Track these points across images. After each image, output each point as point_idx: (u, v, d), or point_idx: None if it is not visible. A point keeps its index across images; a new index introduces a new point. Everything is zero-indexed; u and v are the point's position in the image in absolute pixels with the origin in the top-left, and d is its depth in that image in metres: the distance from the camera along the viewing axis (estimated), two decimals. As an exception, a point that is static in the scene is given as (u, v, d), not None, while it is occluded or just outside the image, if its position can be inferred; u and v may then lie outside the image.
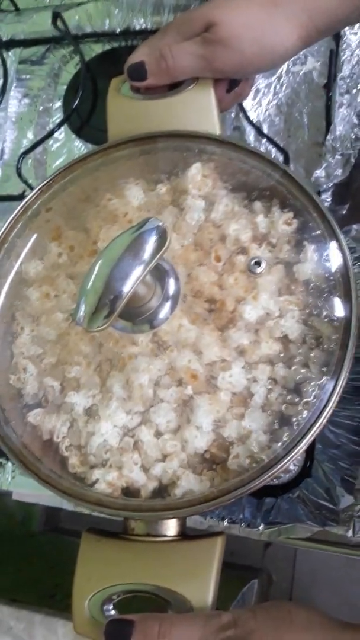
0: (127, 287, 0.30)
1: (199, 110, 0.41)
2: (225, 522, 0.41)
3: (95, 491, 0.34)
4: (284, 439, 0.32)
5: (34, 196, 0.42)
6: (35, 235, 0.41)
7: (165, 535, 0.34)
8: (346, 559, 0.77)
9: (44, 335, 0.39)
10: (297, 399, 0.33)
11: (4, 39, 0.63)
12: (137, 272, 0.30)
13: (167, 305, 0.35)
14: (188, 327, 0.35)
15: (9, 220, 0.41)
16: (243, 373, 0.34)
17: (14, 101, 0.61)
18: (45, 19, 0.60)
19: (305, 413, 0.32)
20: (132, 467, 0.34)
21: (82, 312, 0.30)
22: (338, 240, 0.35)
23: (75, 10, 0.61)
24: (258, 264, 0.35)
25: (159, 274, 0.36)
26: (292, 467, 0.41)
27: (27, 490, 0.47)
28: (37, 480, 0.35)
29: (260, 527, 0.40)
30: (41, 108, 0.60)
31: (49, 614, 0.47)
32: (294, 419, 0.32)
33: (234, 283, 0.35)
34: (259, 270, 0.35)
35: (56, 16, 0.59)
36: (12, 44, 0.63)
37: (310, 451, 0.41)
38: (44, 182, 0.42)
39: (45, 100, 0.61)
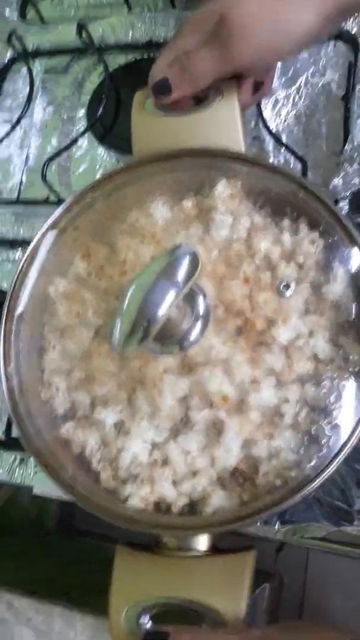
0: (162, 312, 0.31)
1: (224, 126, 0.41)
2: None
3: (128, 506, 0.35)
4: (314, 459, 0.33)
5: (61, 213, 0.42)
6: (62, 253, 0.42)
7: (197, 550, 0.35)
8: (357, 566, 0.77)
9: (71, 351, 0.39)
10: (326, 420, 0.34)
11: (30, 49, 0.65)
12: (171, 297, 0.31)
13: (198, 326, 0.36)
14: (219, 348, 0.35)
15: (37, 237, 0.42)
16: (273, 393, 0.35)
17: (39, 109, 0.63)
18: (70, 30, 0.62)
19: (334, 434, 0.33)
20: (162, 482, 0.35)
21: (116, 336, 0.31)
22: None
23: (100, 23, 0.63)
24: (287, 286, 0.36)
25: (189, 295, 0.36)
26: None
27: (48, 487, 0.48)
28: (72, 496, 0.36)
29: (277, 526, 0.41)
30: (65, 116, 0.62)
31: (68, 607, 0.48)
32: (324, 440, 0.33)
33: (263, 304, 0.36)
34: (288, 293, 0.36)
35: (81, 28, 0.61)
36: (38, 53, 0.65)
37: (325, 453, 0.42)
38: (71, 200, 0.42)
39: (69, 109, 0.63)
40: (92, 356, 0.38)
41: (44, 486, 0.48)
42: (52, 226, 0.42)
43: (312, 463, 0.33)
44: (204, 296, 0.37)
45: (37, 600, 0.49)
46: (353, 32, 0.54)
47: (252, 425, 0.34)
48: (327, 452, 0.32)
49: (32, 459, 0.50)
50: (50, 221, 0.42)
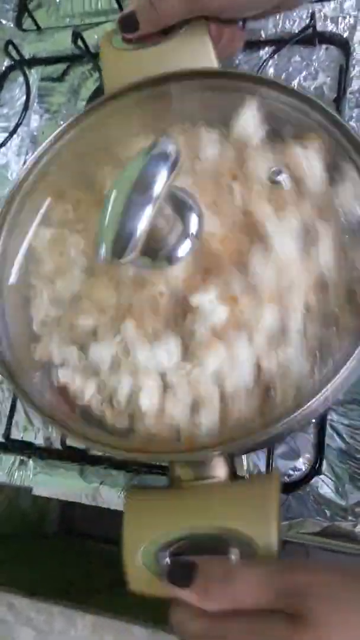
0: (143, 224, 0.29)
1: (194, 52, 0.40)
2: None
3: (139, 436, 0.33)
4: (324, 367, 0.32)
5: (31, 164, 0.41)
6: (39, 204, 0.41)
7: (215, 476, 0.32)
8: (358, 561, 0.77)
9: (62, 296, 0.38)
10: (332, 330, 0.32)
11: (27, 57, 0.66)
12: (149, 209, 0.29)
13: (187, 242, 0.34)
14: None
15: (10, 192, 0.41)
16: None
17: (36, 116, 0.64)
18: (65, 38, 0.63)
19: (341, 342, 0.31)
20: (173, 406, 0.33)
21: (103, 248, 0.30)
22: None
23: (94, 30, 0.64)
24: (279, 172, 0.34)
25: (178, 203, 0.35)
26: (302, 465, 0.43)
27: (47, 487, 0.49)
28: (84, 440, 0.34)
29: (272, 522, 0.41)
30: (62, 123, 0.63)
31: (68, 606, 0.49)
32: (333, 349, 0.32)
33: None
34: (280, 178, 0.34)
35: (76, 35, 0.61)
36: (34, 62, 0.66)
37: (320, 449, 0.42)
38: (38, 151, 0.41)
39: (65, 116, 0.63)
40: (83, 295, 0.37)
41: (43, 487, 0.49)
42: (23, 180, 0.41)
43: (324, 371, 0.31)
44: (198, 215, 0.35)
45: (37, 600, 0.50)
46: (344, 36, 0.55)
47: (261, 337, 0.32)
48: (338, 360, 0.31)
49: (31, 461, 0.50)
50: (22, 174, 0.41)
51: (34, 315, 0.39)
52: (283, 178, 0.35)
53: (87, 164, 0.40)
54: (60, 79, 0.65)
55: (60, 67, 0.65)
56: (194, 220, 0.35)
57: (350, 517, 0.40)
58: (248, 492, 0.31)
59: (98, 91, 0.62)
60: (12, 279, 0.40)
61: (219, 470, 0.32)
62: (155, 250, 0.34)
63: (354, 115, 0.52)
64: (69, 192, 0.40)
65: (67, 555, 0.77)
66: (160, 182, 0.29)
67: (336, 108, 0.54)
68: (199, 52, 0.39)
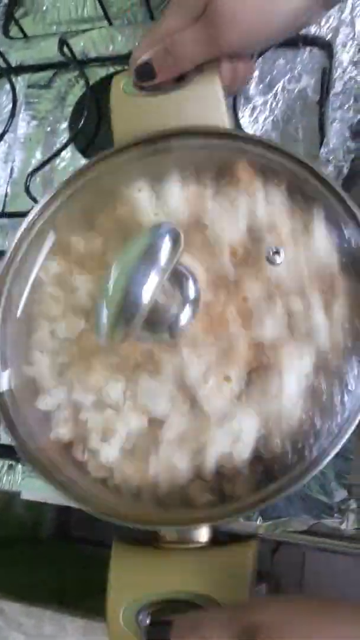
0: (147, 299, 0.29)
1: (206, 102, 0.39)
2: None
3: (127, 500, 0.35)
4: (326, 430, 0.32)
5: (40, 212, 0.42)
6: (43, 250, 0.42)
7: (197, 542, 0.34)
8: (354, 563, 0.77)
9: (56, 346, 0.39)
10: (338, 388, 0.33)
11: (13, 64, 0.66)
12: (155, 280, 0.29)
13: (187, 310, 0.35)
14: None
15: (15, 240, 0.41)
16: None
17: (23, 123, 0.64)
18: (52, 46, 0.64)
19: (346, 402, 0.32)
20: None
21: (102, 326, 0.30)
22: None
23: (81, 37, 0.64)
24: (277, 252, 0.35)
25: (176, 277, 0.35)
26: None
27: (36, 491, 0.49)
28: (74, 499, 0.35)
29: (258, 521, 0.41)
30: (48, 129, 0.64)
31: (58, 610, 0.49)
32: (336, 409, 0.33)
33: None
34: (278, 260, 0.35)
35: (62, 43, 0.62)
36: (21, 69, 0.66)
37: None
38: (49, 196, 0.41)
39: (52, 122, 0.64)
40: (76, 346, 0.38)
41: (31, 491, 0.49)
42: (30, 226, 0.41)
43: (325, 435, 0.32)
44: (194, 280, 0.35)
45: (27, 605, 0.49)
46: (327, 39, 0.55)
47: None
48: (341, 421, 0.32)
49: (20, 466, 0.50)
50: (29, 219, 0.41)
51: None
52: (281, 258, 0.35)
53: (93, 217, 0.41)
54: (47, 86, 0.65)
55: (47, 74, 0.66)
56: (192, 291, 0.35)
57: (336, 515, 0.40)
58: (224, 561, 0.33)
59: (84, 98, 0.62)
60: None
61: (202, 536, 0.34)
62: (157, 323, 0.34)
63: (337, 117, 0.53)
64: (74, 248, 0.40)
65: (62, 559, 0.77)
66: (167, 256, 0.30)
67: (320, 110, 0.55)
68: (210, 103, 0.39)
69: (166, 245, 0.30)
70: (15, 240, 0.41)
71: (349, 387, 0.32)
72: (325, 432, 0.32)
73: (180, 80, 0.40)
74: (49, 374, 0.38)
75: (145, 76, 0.39)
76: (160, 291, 0.31)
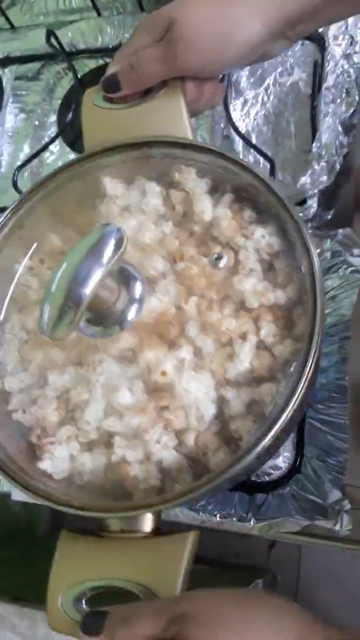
0: (87, 292, 0.31)
1: (169, 115, 0.41)
2: (217, 518, 0.42)
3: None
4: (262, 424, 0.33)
5: (8, 216, 0.42)
6: (11, 252, 0.42)
7: (139, 532, 0.34)
8: (351, 558, 0.78)
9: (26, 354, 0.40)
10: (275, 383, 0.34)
11: (0, 56, 0.65)
12: (97, 276, 0.32)
13: (134, 308, 0.37)
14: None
15: None
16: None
17: (11, 116, 0.63)
18: (39, 37, 0.62)
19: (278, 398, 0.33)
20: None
21: (45, 320, 0.32)
22: (304, 239, 0.35)
23: (69, 28, 0.63)
24: (219, 258, 0.37)
25: (124, 276, 0.37)
26: (282, 464, 0.43)
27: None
28: (23, 489, 0.36)
29: (252, 522, 0.41)
30: (37, 122, 0.62)
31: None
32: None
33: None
34: (221, 264, 0.37)
35: (50, 34, 0.61)
36: (8, 61, 0.65)
37: (299, 448, 0.42)
38: (18, 200, 0.43)
39: (40, 115, 0.63)
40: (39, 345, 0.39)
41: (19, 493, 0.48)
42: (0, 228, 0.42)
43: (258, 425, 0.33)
44: (142, 282, 0.37)
45: (21, 605, 0.49)
46: (319, 32, 0.55)
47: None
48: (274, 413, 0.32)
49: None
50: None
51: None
52: (224, 262, 0.37)
53: (59, 220, 0.43)
54: (34, 77, 0.64)
55: (35, 65, 0.64)
56: (138, 288, 0.37)
57: (330, 516, 0.40)
58: (162, 550, 0.34)
59: (72, 90, 0.61)
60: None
61: (146, 525, 0.34)
62: (104, 318, 0.36)
63: (329, 111, 0.52)
64: (38, 248, 0.43)
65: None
66: (110, 254, 0.32)
67: (312, 104, 0.54)
68: (173, 116, 0.41)
69: (110, 244, 0.32)
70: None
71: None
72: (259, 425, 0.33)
73: (146, 94, 0.43)
74: (14, 361, 0.40)
75: (111, 87, 0.42)
76: (103, 286, 0.33)
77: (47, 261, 0.42)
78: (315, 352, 0.32)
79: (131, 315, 0.37)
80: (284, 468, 0.43)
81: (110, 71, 0.41)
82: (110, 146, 0.41)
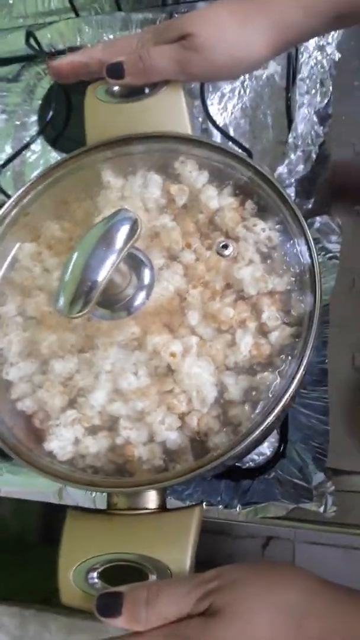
0: (102, 277, 0.32)
1: (171, 111, 0.43)
2: (204, 505, 0.42)
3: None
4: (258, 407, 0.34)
5: (13, 203, 0.43)
6: (14, 240, 0.43)
7: (146, 508, 0.35)
8: (345, 556, 0.77)
9: (29, 335, 0.40)
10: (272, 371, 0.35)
11: (-20, 59, 0.65)
12: (110, 261, 0.32)
13: (143, 293, 0.37)
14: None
15: None
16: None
17: (-8, 117, 0.63)
18: (19, 39, 0.63)
19: (277, 385, 0.34)
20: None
21: (62, 301, 0.32)
22: (304, 231, 0.37)
23: (48, 29, 0.64)
24: (225, 247, 0.37)
25: (134, 262, 0.38)
26: (266, 450, 0.43)
27: (14, 487, 0.48)
28: (32, 467, 0.36)
29: (238, 508, 0.41)
30: (18, 122, 0.63)
31: (42, 610, 0.48)
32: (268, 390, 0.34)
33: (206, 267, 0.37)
34: (226, 252, 0.37)
35: (29, 35, 0.61)
36: (-12, 63, 0.66)
37: (283, 433, 0.42)
38: (22, 189, 0.43)
39: (21, 115, 0.63)
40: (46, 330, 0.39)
41: (9, 487, 0.48)
42: (3, 217, 0.43)
43: (257, 410, 0.34)
44: (151, 267, 0.38)
45: (10, 605, 0.49)
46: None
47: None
48: (272, 399, 0.33)
49: (-3, 463, 0.49)
50: (2, 211, 0.43)
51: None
52: (229, 251, 0.38)
53: (63, 210, 0.43)
54: (15, 79, 0.64)
55: (15, 67, 0.65)
56: (147, 275, 0.38)
57: (315, 498, 0.40)
58: (170, 525, 0.35)
59: (52, 90, 0.61)
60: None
61: (151, 502, 0.36)
62: (113, 302, 0.37)
63: (305, 102, 0.53)
64: (44, 235, 0.43)
65: (50, 563, 0.76)
66: (124, 239, 0.33)
67: (286, 95, 0.54)
68: (175, 112, 0.43)
69: (124, 229, 0.33)
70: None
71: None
72: (257, 411, 0.34)
73: (148, 89, 0.44)
74: (14, 348, 0.40)
75: (114, 74, 0.43)
76: (116, 271, 0.34)
77: (53, 247, 0.42)
78: (314, 336, 0.33)
79: (139, 301, 0.37)
80: (268, 453, 0.43)
81: (117, 58, 0.42)
82: (113, 139, 0.42)
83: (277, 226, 0.38)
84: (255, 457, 0.43)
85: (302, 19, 0.39)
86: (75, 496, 0.45)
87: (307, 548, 0.82)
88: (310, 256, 0.36)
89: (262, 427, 0.32)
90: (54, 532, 0.85)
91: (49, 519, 0.85)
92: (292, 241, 0.37)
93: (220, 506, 0.42)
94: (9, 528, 0.80)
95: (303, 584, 0.30)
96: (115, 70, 0.42)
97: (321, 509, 0.39)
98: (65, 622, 0.48)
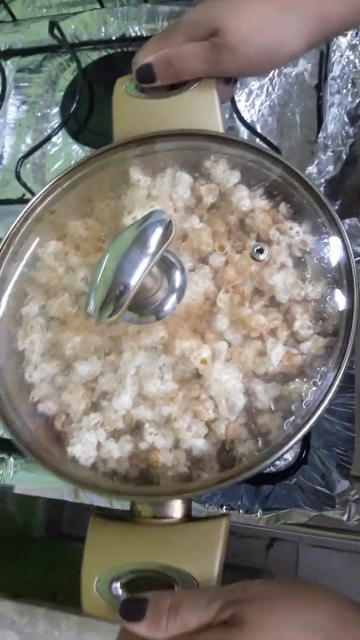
0: (134, 280, 0.31)
1: (203, 108, 0.42)
2: (224, 509, 0.41)
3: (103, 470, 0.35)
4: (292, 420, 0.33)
5: (38, 199, 0.42)
6: (38, 238, 0.42)
7: (171, 517, 0.34)
8: (348, 558, 0.77)
9: (53, 339, 0.39)
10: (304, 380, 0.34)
11: (2, 48, 0.65)
12: (144, 265, 0.31)
13: (173, 298, 0.36)
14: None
15: (13, 225, 0.42)
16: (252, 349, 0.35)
17: (13, 108, 0.63)
18: (42, 28, 0.62)
19: (310, 395, 0.33)
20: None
21: (92, 304, 0.32)
22: (341, 235, 0.36)
23: (72, 20, 0.63)
24: (260, 251, 0.36)
25: (165, 265, 0.37)
26: (288, 455, 0.42)
27: (29, 484, 0.47)
28: (55, 473, 0.35)
29: (259, 513, 0.40)
30: (39, 114, 0.62)
31: (52, 607, 0.47)
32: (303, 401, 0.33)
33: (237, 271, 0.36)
34: (261, 257, 0.36)
35: (53, 25, 0.60)
36: (10, 53, 0.65)
37: (306, 438, 0.41)
38: (48, 185, 0.42)
39: (43, 107, 0.62)
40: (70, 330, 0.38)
41: (24, 485, 0.47)
42: (29, 213, 0.42)
43: (290, 419, 0.33)
44: (182, 270, 0.37)
45: (20, 602, 0.48)
46: (324, 23, 0.54)
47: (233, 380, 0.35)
48: (305, 410, 0.33)
49: (11, 459, 0.49)
50: (26, 207, 0.42)
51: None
52: (264, 255, 0.36)
53: (89, 208, 0.42)
54: (37, 70, 0.64)
55: (37, 58, 0.64)
56: (178, 278, 0.37)
57: (338, 506, 0.39)
58: (196, 535, 0.34)
59: (75, 82, 0.61)
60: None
61: (177, 511, 0.35)
62: (143, 307, 0.36)
63: (335, 101, 0.52)
64: (70, 234, 0.42)
65: (55, 558, 0.75)
66: (157, 242, 0.32)
67: (317, 94, 0.53)
68: (206, 110, 0.42)
69: (157, 231, 0.32)
70: (14, 225, 0.42)
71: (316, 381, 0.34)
72: (289, 420, 0.33)
73: (180, 86, 0.42)
74: (37, 349, 0.39)
75: (145, 78, 0.42)
76: (148, 274, 0.33)
77: (80, 247, 0.41)
78: (351, 347, 0.32)
79: (169, 305, 0.36)
80: (290, 459, 0.42)
81: (145, 61, 0.41)
82: (142, 135, 0.41)
83: (311, 230, 0.37)
84: (277, 462, 0.42)
85: (344, 9, 0.38)
86: (91, 495, 0.45)
87: (311, 551, 0.81)
88: (348, 262, 0.35)
89: (295, 439, 0.31)
90: (59, 526, 0.85)
91: (53, 513, 0.85)
92: (327, 246, 0.36)
93: (241, 511, 0.41)
94: (14, 521, 0.80)
95: (334, 605, 0.30)
96: (145, 74, 0.41)
97: (344, 517, 0.39)
98: (75, 620, 0.48)
